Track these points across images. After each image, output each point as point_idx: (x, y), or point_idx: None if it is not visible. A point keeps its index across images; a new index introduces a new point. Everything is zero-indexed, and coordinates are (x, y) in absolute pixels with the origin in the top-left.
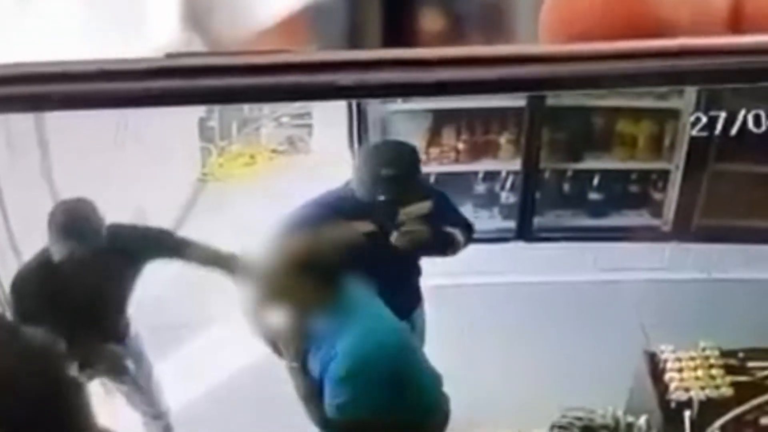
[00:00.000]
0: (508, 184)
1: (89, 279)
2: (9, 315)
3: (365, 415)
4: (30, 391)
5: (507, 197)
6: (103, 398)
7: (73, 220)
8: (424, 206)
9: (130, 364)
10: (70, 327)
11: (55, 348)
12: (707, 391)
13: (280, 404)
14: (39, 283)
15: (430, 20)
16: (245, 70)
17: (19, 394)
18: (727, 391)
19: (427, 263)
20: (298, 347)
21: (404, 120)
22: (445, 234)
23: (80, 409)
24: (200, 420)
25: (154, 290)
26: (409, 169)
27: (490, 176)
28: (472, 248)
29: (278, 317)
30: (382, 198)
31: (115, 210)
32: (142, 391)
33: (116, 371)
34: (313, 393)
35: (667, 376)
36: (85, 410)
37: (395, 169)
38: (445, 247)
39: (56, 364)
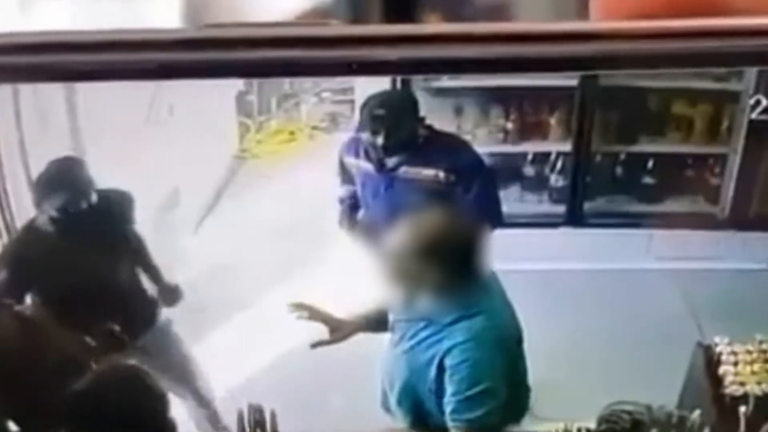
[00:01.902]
0: (558, 167)
1: (82, 242)
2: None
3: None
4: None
5: (556, 180)
6: None
7: (63, 174)
8: (429, 174)
9: (152, 346)
10: (66, 299)
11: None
12: (764, 386)
13: (323, 385)
14: (32, 250)
15: None
16: (286, 42)
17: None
18: None
19: None
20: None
21: (450, 98)
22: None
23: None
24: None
25: (186, 274)
26: (401, 112)
27: (540, 158)
28: (519, 233)
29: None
30: (377, 139)
31: (149, 186)
32: (175, 377)
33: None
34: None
35: (721, 370)
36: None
37: (386, 110)
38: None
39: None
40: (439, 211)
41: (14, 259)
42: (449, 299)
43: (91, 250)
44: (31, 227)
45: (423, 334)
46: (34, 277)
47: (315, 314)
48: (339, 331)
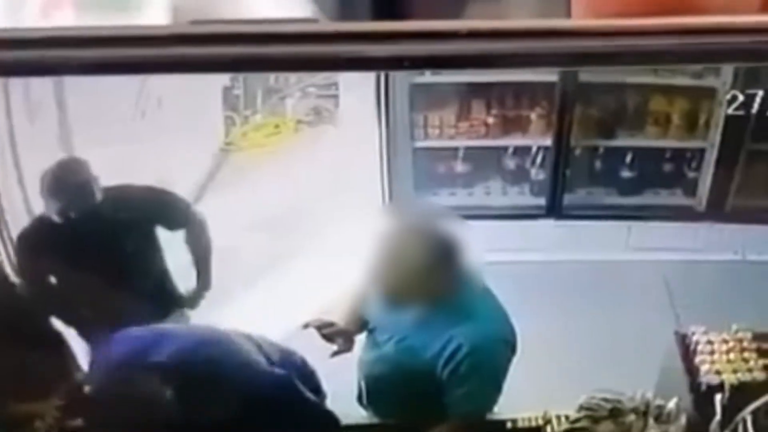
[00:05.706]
0: (538, 160)
1: (92, 240)
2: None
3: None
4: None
5: (537, 173)
6: None
7: (63, 178)
8: None
9: None
10: (79, 291)
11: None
12: (739, 375)
13: None
14: (42, 243)
15: None
16: (273, 38)
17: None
18: (760, 375)
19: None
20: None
21: (433, 92)
22: None
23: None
24: None
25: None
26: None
27: (521, 152)
28: (500, 225)
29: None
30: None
31: (136, 177)
32: None
33: None
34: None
35: (698, 359)
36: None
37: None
38: None
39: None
40: (413, 233)
41: (29, 246)
42: (440, 305)
43: (104, 245)
44: (43, 218)
45: (419, 338)
46: (49, 264)
47: (326, 327)
48: (349, 340)
